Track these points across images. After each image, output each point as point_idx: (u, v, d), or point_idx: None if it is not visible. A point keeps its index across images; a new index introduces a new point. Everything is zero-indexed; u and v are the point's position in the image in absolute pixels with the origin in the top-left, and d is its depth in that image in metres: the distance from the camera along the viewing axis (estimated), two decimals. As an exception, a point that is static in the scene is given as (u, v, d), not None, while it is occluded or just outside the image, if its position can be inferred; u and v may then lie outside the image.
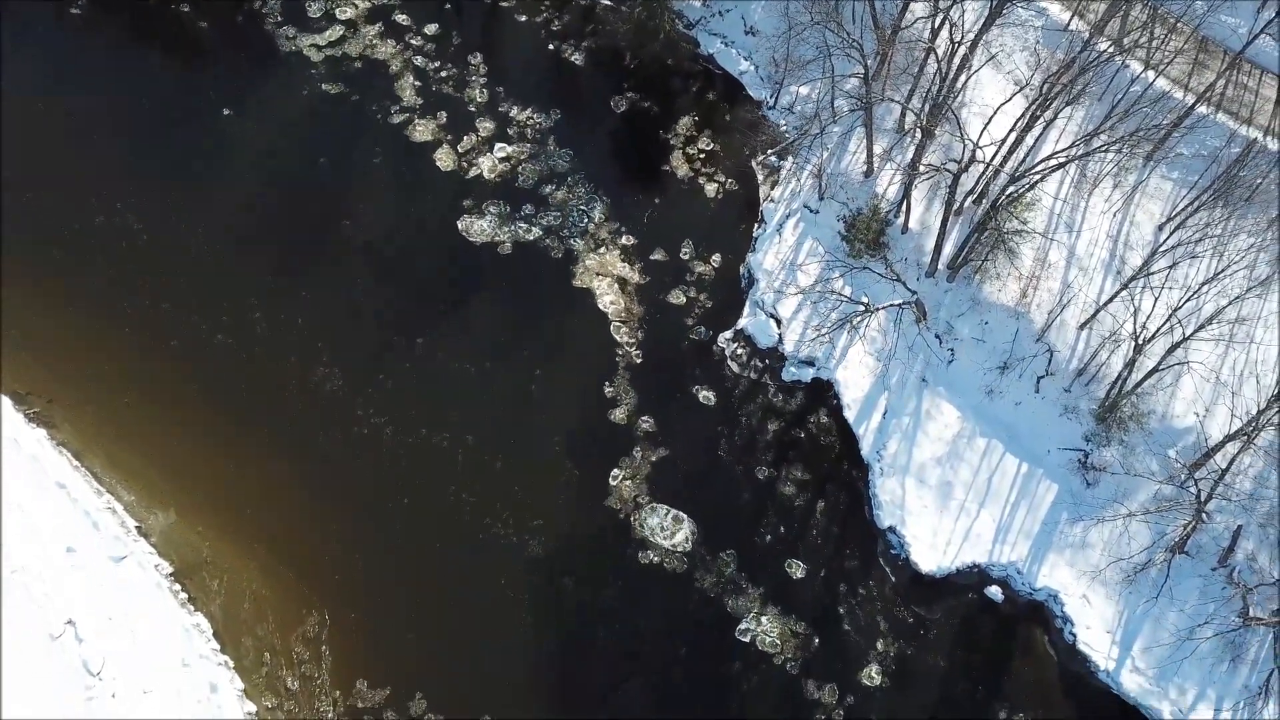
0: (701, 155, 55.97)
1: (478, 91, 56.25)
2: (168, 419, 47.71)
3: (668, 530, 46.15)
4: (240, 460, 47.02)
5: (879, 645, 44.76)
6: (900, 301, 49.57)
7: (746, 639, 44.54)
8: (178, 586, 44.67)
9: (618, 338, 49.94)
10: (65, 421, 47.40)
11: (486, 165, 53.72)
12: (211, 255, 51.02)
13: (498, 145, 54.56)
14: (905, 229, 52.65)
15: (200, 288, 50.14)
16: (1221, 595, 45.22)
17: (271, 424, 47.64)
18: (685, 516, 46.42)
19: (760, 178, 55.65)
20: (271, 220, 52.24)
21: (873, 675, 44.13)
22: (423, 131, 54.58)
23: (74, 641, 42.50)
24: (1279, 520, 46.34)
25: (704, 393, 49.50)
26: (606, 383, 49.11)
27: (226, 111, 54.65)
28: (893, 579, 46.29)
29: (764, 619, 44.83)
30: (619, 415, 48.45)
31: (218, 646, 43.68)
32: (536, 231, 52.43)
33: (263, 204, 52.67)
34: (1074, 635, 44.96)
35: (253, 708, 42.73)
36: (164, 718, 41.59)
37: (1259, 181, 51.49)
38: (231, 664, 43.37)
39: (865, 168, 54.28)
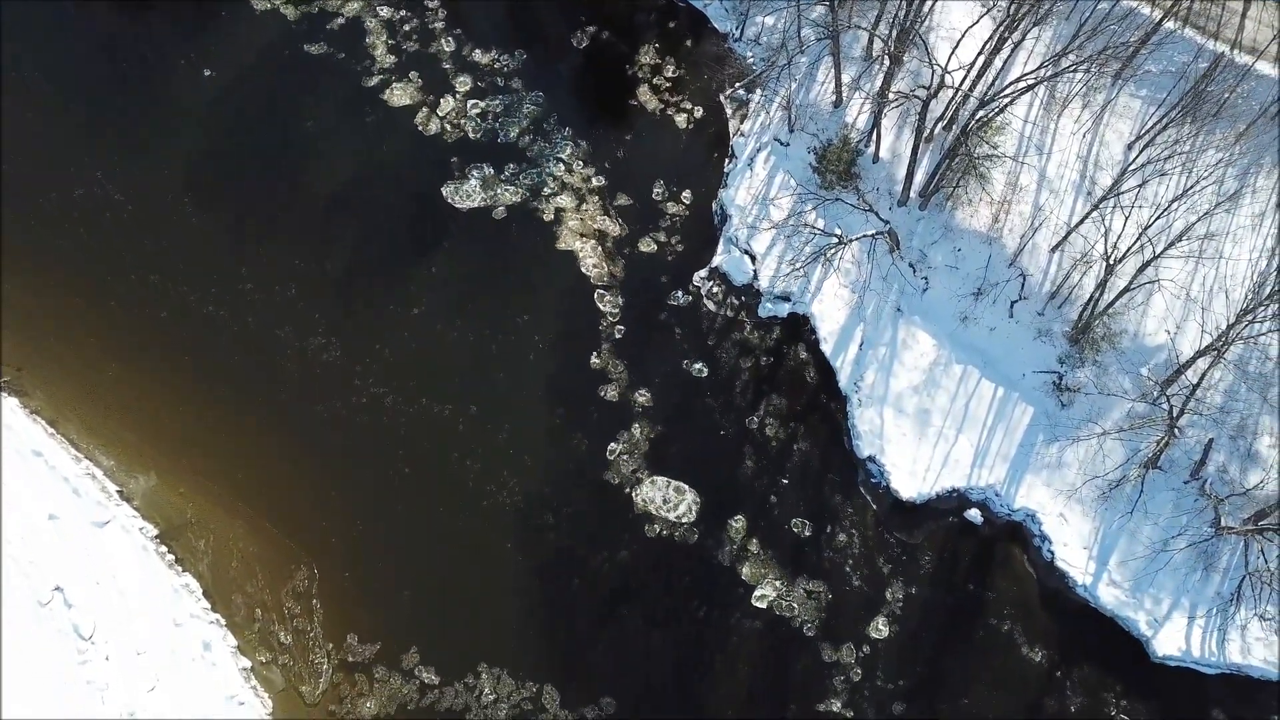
0: (668, 85, 55.17)
1: (443, 41, 55.05)
2: (147, 385, 47.36)
3: (670, 502, 46.14)
4: (223, 423, 46.81)
5: (886, 594, 45.12)
6: (873, 232, 49.51)
7: (764, 605, 44.92)
8: (164, 548, 44.78)
9: (602, 306, 49.35)
10: (37, 389, 46.97)
11: (470, 127, 52.80)
12: (198, 226, 50.19)
13: (471, 102, 53.56)
14: (876, 158, 52.39)
15: (188, 259, 49.40)
16: (1194, 507, 46.22)
17: (258, 388, 47.40)
18: (686, 486, 46.45)
19: (729, 112, 55.04)
20: (259, 191, 51.32)
21: (880, 627, 44.72)
22: (401, 95, 53.49)
23: (63, 607, 42.61)
24: (1249, 432, 47.31)
25: (696, 364, 48.88)
26: (594, 354, 48.68)
27: (208, 72, 53.55)
28: (874, 507, 46.97)
29: (778, 583, 45.07)
30: (611, 392, 47.92)
31: (208, 605, 43.96)
32: (522, 192, 51.64)
33: (249, 174, 51.69)
34: (1052, 553, 45.91)
35: (247, 663, 43.18)
36: (165, 691, 41.95)
37: (1226, 96, 51.47)
38: (223, 621, 43.72)
39: (834, 98, 53.77)
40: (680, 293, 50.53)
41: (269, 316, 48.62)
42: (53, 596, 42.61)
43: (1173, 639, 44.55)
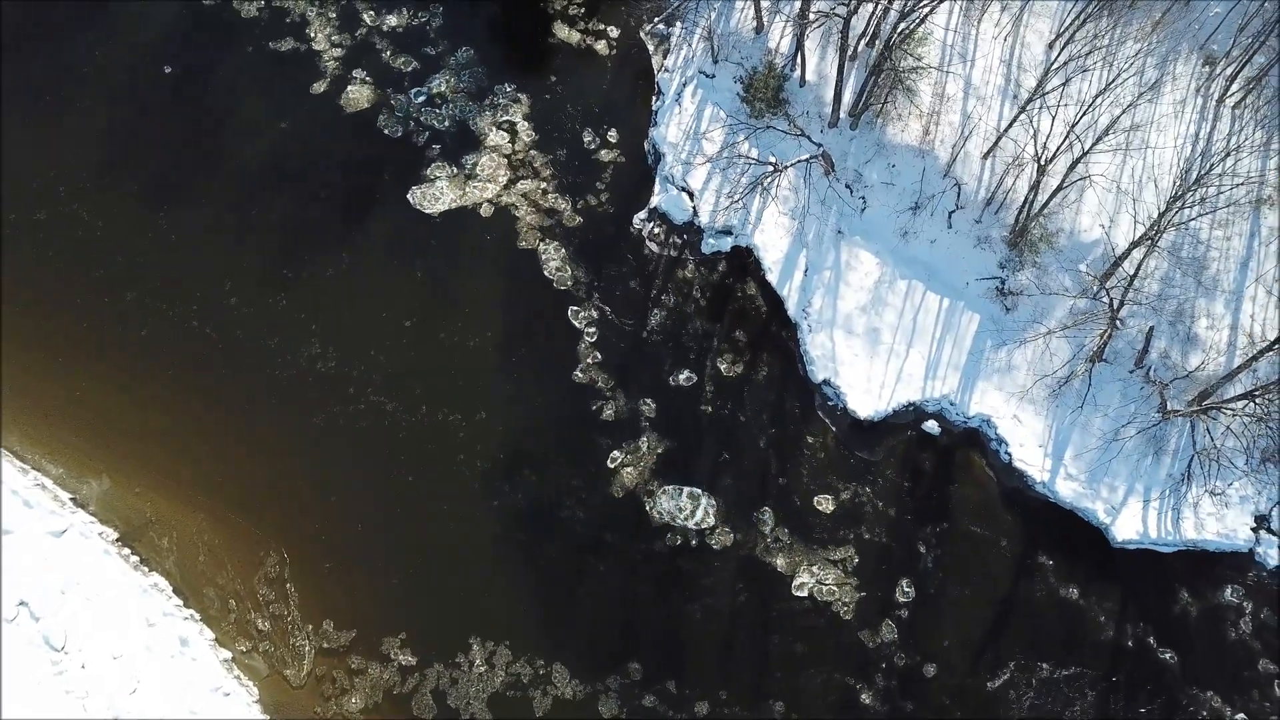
0: (581, 13, 54.36)
1: (365, 15, 53.75)
2: (87, 388, 46.21)
3: (685, 510, 45.64)
4: (172, 417, 45.87)
5: (918, 546, 45.50)
6: (807, 156, 49.37)
7: (804, 593, 44.90)
8: (127, 550, 44.07)
9: (576, 324, 48.46)
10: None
11: (432, 119, 51.71)
12: (177, 241, 48.83)
13: (415, 90, 52.36)
14: (803, 82, 52.05)
15: (167, 272, 48.13)
16: (1141, 395, 47.47)
17: (205, 378, 46.51)
18: (699, 491, 45.94)
19: (651, 48, 54.24)
20: (234, 204, 49.91)
21: (906, 590, 45.10)
22: (358, 98, 52.07)
23: (30, 621, 41.89)
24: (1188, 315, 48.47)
25: (682, 374, 48.19)
26: (579, 370, 47.75)
27: (168, 69, 51.88)
28: (834, 430, 47.55)
29: (814, 567, 45.07)
30: (609, 411, 47.07)
31: (180, 602, 43.47)
32: (484, 185, 50.60)
33: (220, 185, 50.19)
34: (1009, 454, 46.95)
35: (228, 654, 42.89)
36: (148, 692, 41.52)
37: (1141, -15, 51.83)
38: (198, 616, 43.31)
39: (755, 24, 53.14)
40: (659, 311, 49.51)
41: (254, 327, 47.55)
42: (18, 612, 41.81)
43: (1130, 523, 46.01)
